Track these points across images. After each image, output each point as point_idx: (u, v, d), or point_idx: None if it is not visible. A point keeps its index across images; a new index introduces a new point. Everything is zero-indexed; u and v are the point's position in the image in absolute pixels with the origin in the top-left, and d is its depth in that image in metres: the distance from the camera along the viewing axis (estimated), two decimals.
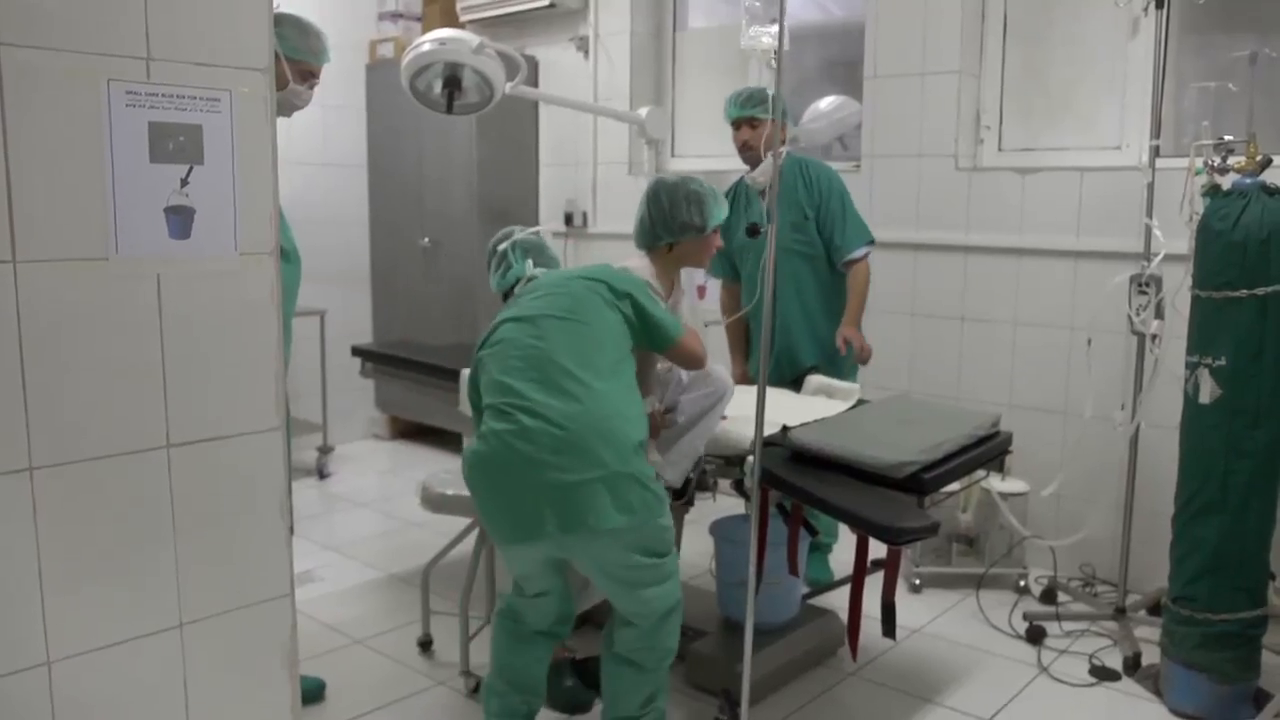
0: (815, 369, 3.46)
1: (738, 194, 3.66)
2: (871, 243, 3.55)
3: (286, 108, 2.62)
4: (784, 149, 3.56)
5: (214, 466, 1.55)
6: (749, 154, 3.56)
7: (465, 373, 3.14)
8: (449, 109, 3.36)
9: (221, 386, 1.55)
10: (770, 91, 3.39)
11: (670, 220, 2.70)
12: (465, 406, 3.13)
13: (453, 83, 3.32)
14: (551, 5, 5.12)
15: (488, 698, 2.53)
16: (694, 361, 2.56)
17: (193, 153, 1.48)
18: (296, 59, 2.61)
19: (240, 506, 1.59)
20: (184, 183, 1.48)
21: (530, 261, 2.63)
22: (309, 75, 2.67)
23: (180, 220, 1.48)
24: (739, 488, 2.73)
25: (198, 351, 1.52)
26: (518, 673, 2.49)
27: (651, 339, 2.45)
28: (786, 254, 3.52)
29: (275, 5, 1.71)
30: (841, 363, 3.50)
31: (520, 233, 2.69)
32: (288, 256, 2.66)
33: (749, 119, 3.52)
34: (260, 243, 1.57)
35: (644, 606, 2.32)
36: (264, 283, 1.58)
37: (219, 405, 1.55)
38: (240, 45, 1.52)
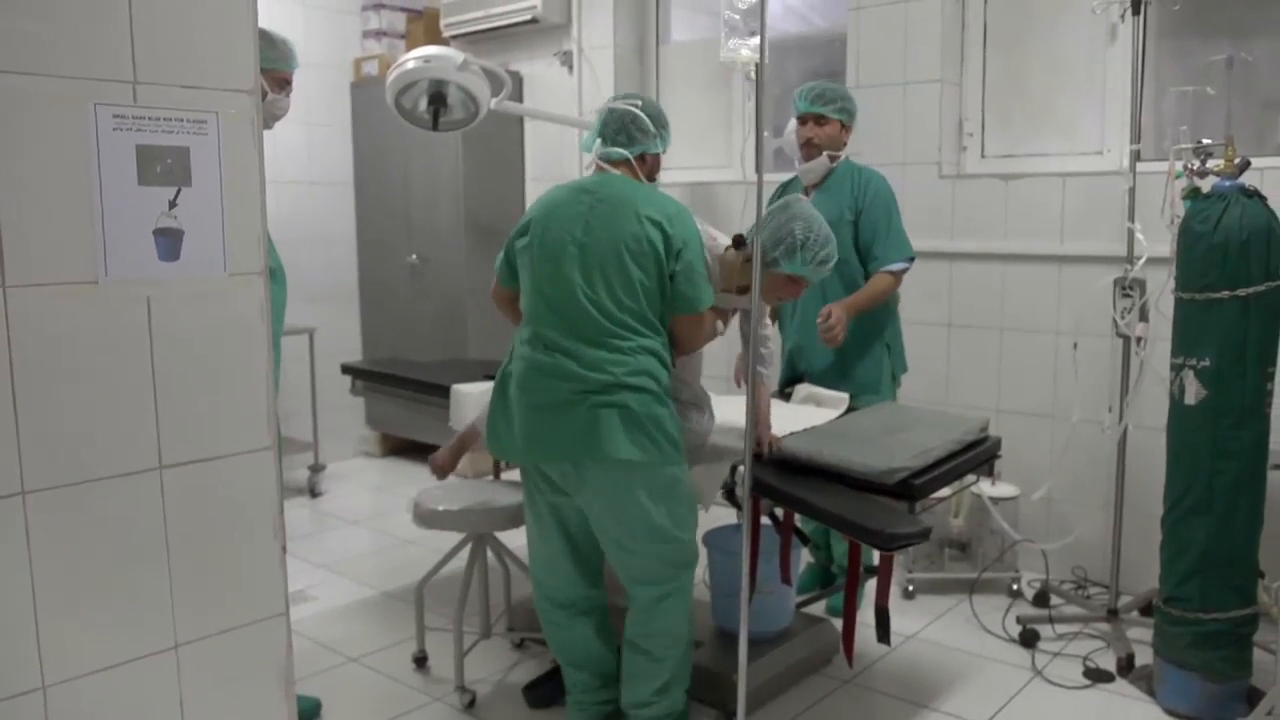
0: (818, 375, 3.37)
1: (789, 190, 3.54)
2: (911, 259, 3.39)
3: (269, 119, 2.70)
4: (843, 154, 3.43)
5: (206, 487, 1.55)
6: (810, 150, 3.40)
7: (457, 388, 3.16)
8: (435, 126, 3.37)
9: (212, 407, 1.55)
10: (836, 90, 3.34)
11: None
12: (455, 420, 3.14)
13: (438, 99, 3.34)
14: (534, 21, 5.14)
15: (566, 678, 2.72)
16: (692, 342, 2.53)
17: (180, 175, 1.49)
18: (270, 69, 2.67)
19: (233, 526, 1.59)
20: (172, 205, 1.48)
21: (600, 140, 2.58)
22: (284, 83, 2.75)
23: (169, 242, 1.48)
24: (730, 497, 2.74)
25: (188, 373, 1.52)
26: (568, 650, 2.65)
27: (675, 300, 2.43)
28: None
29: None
30: (857, 376, 3.35)
31: (613, 101, 2.63)
32: (274, 276, 2.68)
33: (816, 115, 3.37)
34: (249, 263, 1.57)
35: (634, 568, 2.46)
36: (253, 303, 1.58)
37: (210, 426, 1.55)
38: (226, 67, 1.53)
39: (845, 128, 3.42)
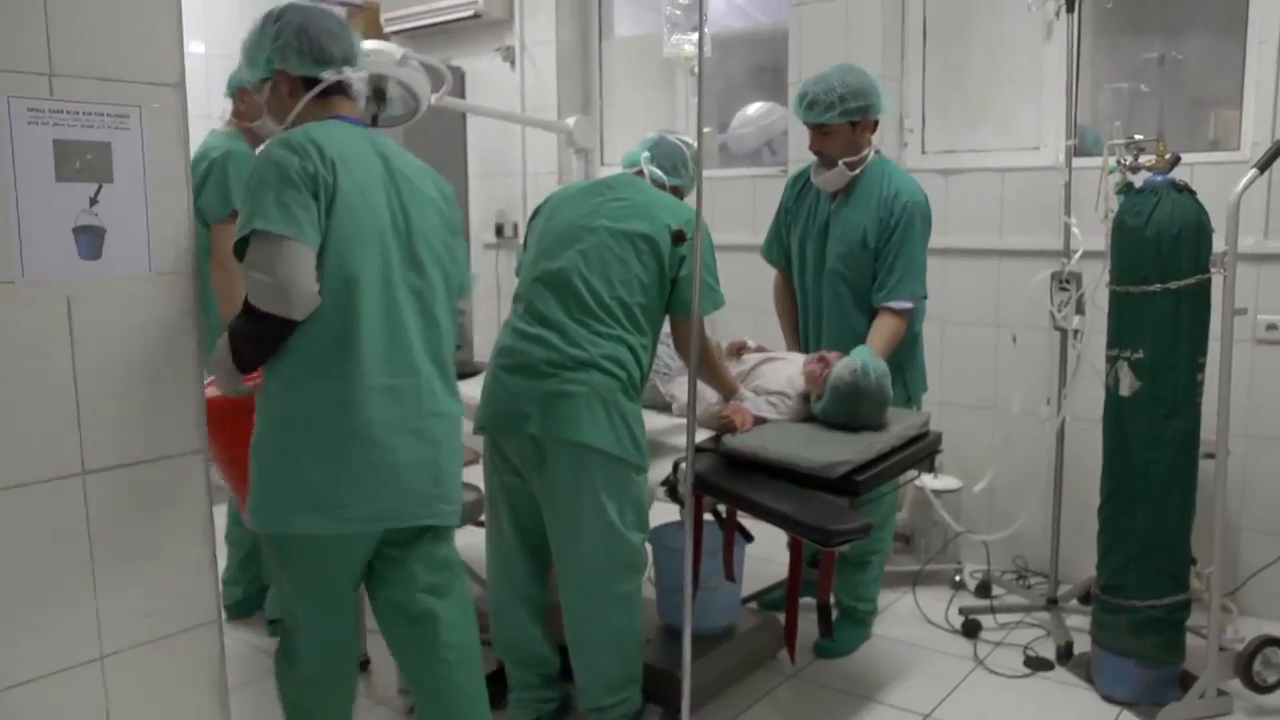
0: None
1: (807, 182, 3.21)
2: (922, 297, 3.09)
3: (265, 133, 2.63)
4: (870, 151, 3.07)
5: (132, 492, 1.51)
6: (824, 159, 3.06)
7: None
8: (374, 122, 3.32)
9: (138, 410, 1.51)
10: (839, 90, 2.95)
11: None
12: None
13: (377, 95, 3.28)
14: (476, 16, 5.09)
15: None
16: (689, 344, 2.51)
17: (101, 171, 1.44)
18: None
19: (161, 532, 1.55)
20: (93, 201, 1.44)
21: (648, 154, 2.70)
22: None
23: (90, 240, 1.44)
24: (673, 494, 2.73)
25: (112, 374, 1.48)
26: (512, 649, 2.66)
27: (674, 305, 2.50)
28: (831, 276, 3.11)
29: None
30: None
31: (671, 135, 2.77)
32: None
33: (818, 125, 2.99)
34: (175, 262, 1.53)
35: (579, 562, 2.46)
36: (180, 302, 1.54)
37: (136, 429, 1.51)
38: (150, 61, 1.49)
39: (858, 125, 2.98)
